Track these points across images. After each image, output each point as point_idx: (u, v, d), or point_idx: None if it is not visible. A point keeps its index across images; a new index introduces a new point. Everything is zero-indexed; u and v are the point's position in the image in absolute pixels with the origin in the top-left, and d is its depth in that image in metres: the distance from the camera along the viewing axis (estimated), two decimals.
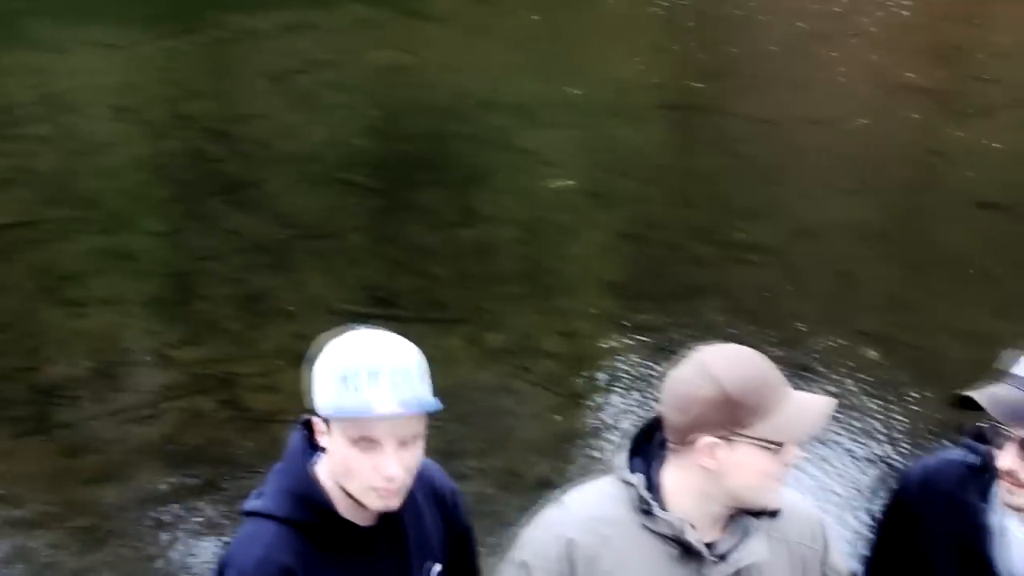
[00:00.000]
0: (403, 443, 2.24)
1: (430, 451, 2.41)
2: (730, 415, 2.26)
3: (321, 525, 2.38)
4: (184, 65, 13.02)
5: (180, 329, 7.72)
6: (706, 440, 2.27)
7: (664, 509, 2.35)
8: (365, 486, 2.26)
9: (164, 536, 5.98)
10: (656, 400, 2.55)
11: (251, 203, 9.37)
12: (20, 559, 5.76)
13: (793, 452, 2.35)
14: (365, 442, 2.22)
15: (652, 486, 2.39)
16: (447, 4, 14.83)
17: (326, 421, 2.30)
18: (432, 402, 2.29)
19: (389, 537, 2.45)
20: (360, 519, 2.38)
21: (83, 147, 10.71)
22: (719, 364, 2.33)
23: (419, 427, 2.29)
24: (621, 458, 2.48)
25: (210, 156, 10.38)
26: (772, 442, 2.27)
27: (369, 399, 2.18)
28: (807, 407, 2.36)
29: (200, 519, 6.05)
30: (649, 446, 2.46)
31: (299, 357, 6.82)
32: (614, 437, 6.60)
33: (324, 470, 2.39)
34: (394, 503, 2.31)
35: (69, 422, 6.77)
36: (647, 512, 2.35)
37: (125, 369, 7.32)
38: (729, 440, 2.27)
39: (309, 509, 2.38)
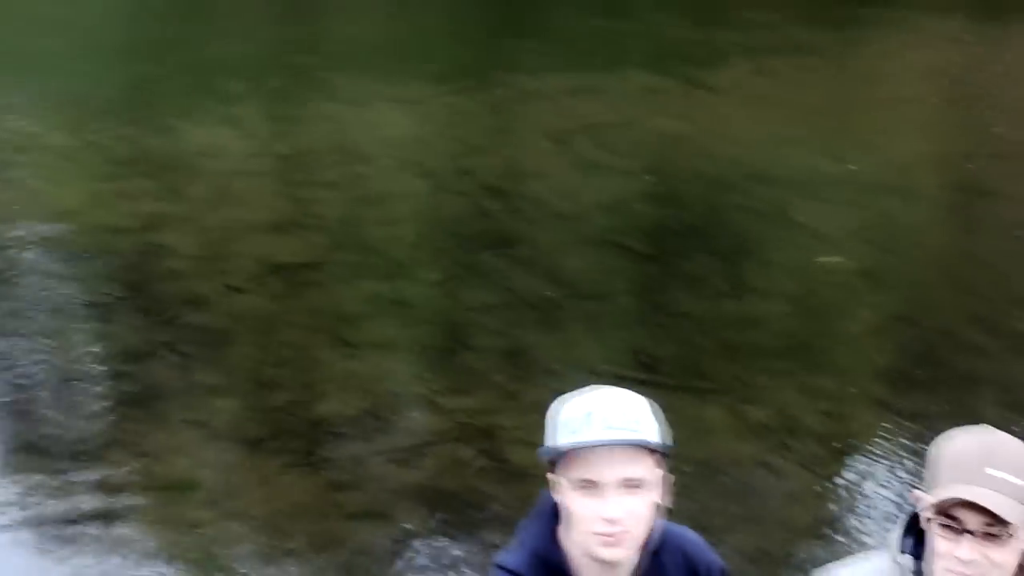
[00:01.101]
0: (626, 487, 2.24)
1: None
2: None
3: None
4: (469, 122, 13.45)
5: (447, 377, 7.94)
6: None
7: None
8: (587, 531, 2.27)
9: None
10: (917, 487, 2.54)
11: (524, 260, 9.58)
12: None
13: None
14: (587, 486, 2.23)
15: (920, 570, 2.38)
16: (729, 75, 14.83)
17: (553, 470, 2.35)
18: (648, 439, 2.28)
19: None
20: None
21: (370, 196, 11.20)
22: None
23: (644, 472, 2.27)
24: (894, 537, 2.47)
25: (487, 211, 10.66)
26: None
27: (583, 435, 2.27)
28: None
29: (451, 563, 6.20)
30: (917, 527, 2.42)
31: None
32: (872, 522, 6.49)
33: (564, 529, 2.40)
34: (619, 552, 2.29)
35: (336, 458, 7.06)
36: None
37: (392, 411, 7.58)
38: None
39: (548, 570, 2.40)
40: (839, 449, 7.30)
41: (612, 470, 2.23)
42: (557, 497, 2.38)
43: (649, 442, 2.29)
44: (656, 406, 2.41)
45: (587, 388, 2.46)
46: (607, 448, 2.24)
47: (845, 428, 7.49)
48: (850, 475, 7.05)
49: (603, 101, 13.71)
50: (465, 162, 11.96)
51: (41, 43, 18.13)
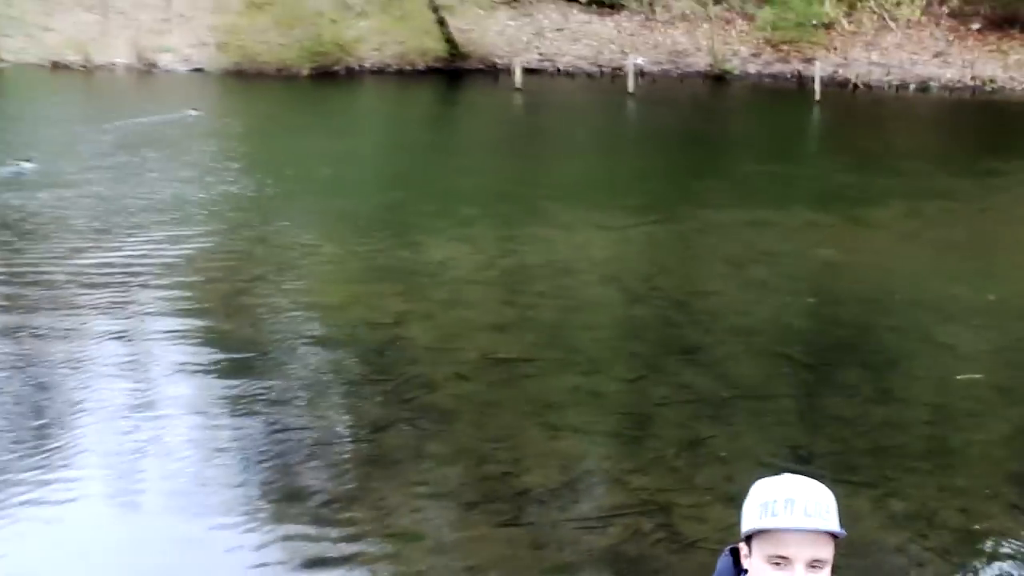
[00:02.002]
0: (812, 565, 2.25)
1: None
2: None
3: None
4: (660, 247, 13.48)
5: (633, 459, 7.87)
6: None
7: None
8: None
9: None
10: None
11: (702, 363, 9.49)
12: None
13: None
14: (780, 562, 2.25)
15: None
16: (883, 214, 14.54)
17: (748, 544, 2.35)
18: (835, 528, 2.27)
19: None
20: None
21: (575, 304, 11.27)
22: None
23: (827, 553, 2.28)
24: None
25: (673, 321, 10.61)
26: None
27: (784, 520, 2.26)
28: None
29: None
30: None
31: (727, 496, 6.94)
32: None
33: None
34: None
35: (536, 521, 7.04)
36: None
37: (585, 485, 7.54)
38: None
39: None
40: (972, 542, 7.00)
41: (804, 551, 2.26)
42: (746, 565, 2.38)
43: (836, 531, 2.29)
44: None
45: (783, 477, 2.44)
46: (803, 532, 2.26)
47: (978, 523, 7.17)
48: (982, 564, 6.74)
49: (773, 233, 13.59)
50: (656, 280, 11.96)
51: (321, 172, 18.97)
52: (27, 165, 19.25)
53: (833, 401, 8.77)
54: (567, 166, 19.32)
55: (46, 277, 12.24)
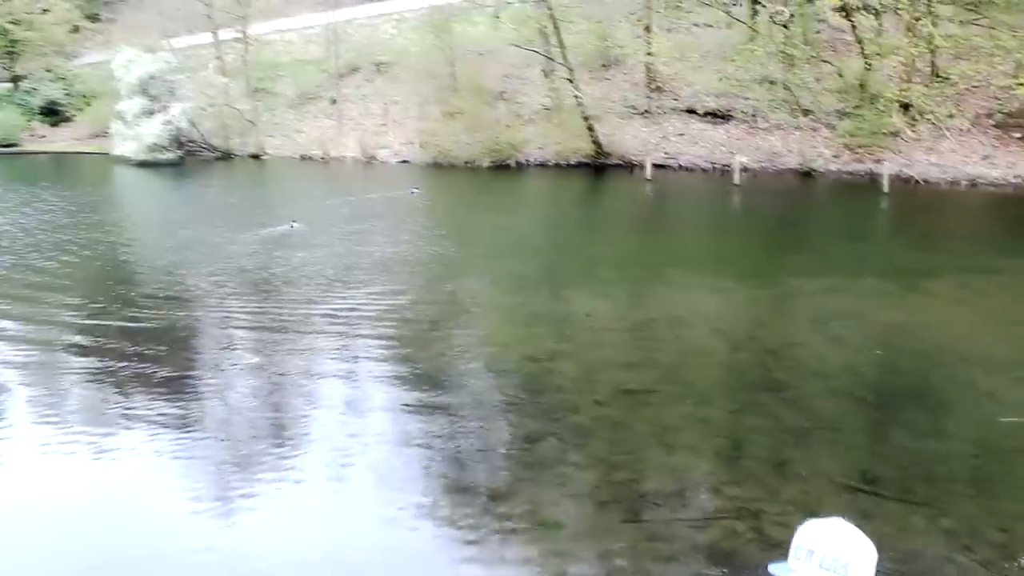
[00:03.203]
0: None
1: None
2: None
3: None
4: (758, 306, 13.18)
5: (731, 474, 7.69)
6: None
7: None
8: None
9: None
10: None
11: (788, 400, 9.21)
12: None
13: None
14: None
15: None
16: (938, 285, 13.92)
17: None
18: None
19: None
20: None
21: (688, 349, 11.11)
22: None
23: None
24: None
25: (766, 365, 10.34)
26: None
27: (799, 568, 2.09)
28: None
29: None
30: None
31: (806, 507, 6.70)
32: None
33: None
34: None
35: (653, 519, 6.93)
36: None
37: (692, 493, 7.38)
38: None
39: None
40: (1011, 556, 6.57)
41: None
42: None
43: None
44: (872, 551, 2.20)
45: (827, 521, 2.25)
46: None
47: (1016, 541, 6.73)
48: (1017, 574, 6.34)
49: (849, 298, 13.17)
50: (754, 332, 11.72)
51: (495, 240, 19.25)
52: (296, 225, 20.55)
53: (895, 435, 8.39)
54: (685, 241, 19.17)
55: (286, 319, 12.74)
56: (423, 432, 8.56)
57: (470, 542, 6.66)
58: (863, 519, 6.75)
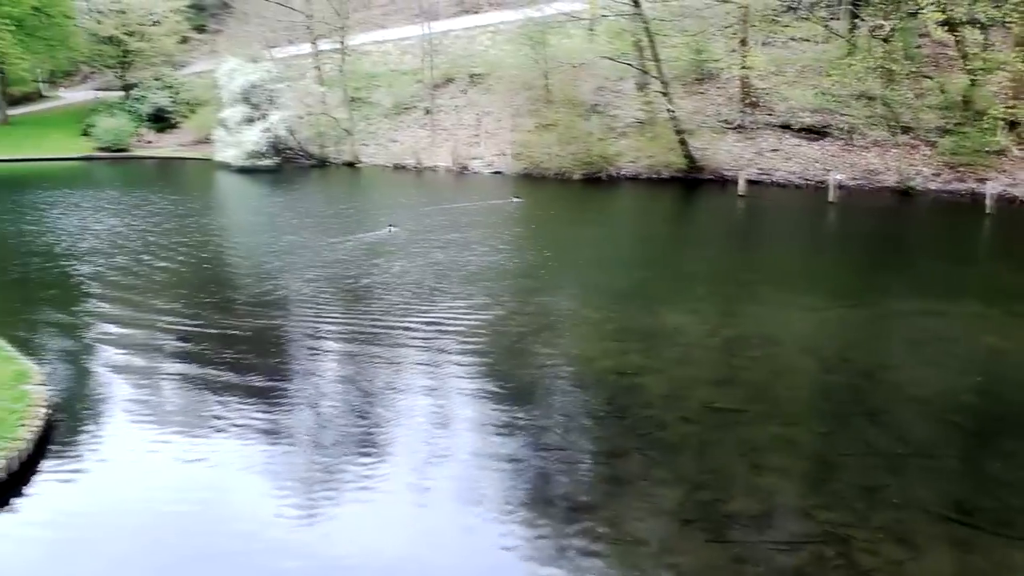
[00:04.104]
0: None
1: None
2: None
3: None
4: (850, 326, 12.89)
5: (819, 497, 7.56)
6: None
7: None
8: None
9: None
10: None
11: (881, 424, 9.00)
12: None
13: None
14: None
15: None
16: None
17: None
18: None
19: None
20: None
21: (778, 368, 10.94)
22: None
23: None
24: None
25: (858, 388, 10.10)
26: None
27: None
28: None
29: None
30: None
31: (897, 536, 6.54)
32: None
33: None
34: None
35: (738, 540, 6.88)
36: None
37: (779, 515, 7.30)
38: None
39: None
40: None
41: None
42: None
43: None
44: None
45: None
46: None
47: None
48: None
49: (946, 321, 12.81)
50: (846, 353, 11.45)
51: (585, 252, 19.23)
52: (394, 229, 21.09)
53: (993, 465, 8.12)
54: (777, 258, 18.86)
55: (379, 328, 12.96)
56: (507, 443, 8.63)
57: (551, 555, 6.70)
58: (959, 552, 6.58)
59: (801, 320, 13.12)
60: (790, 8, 32.56)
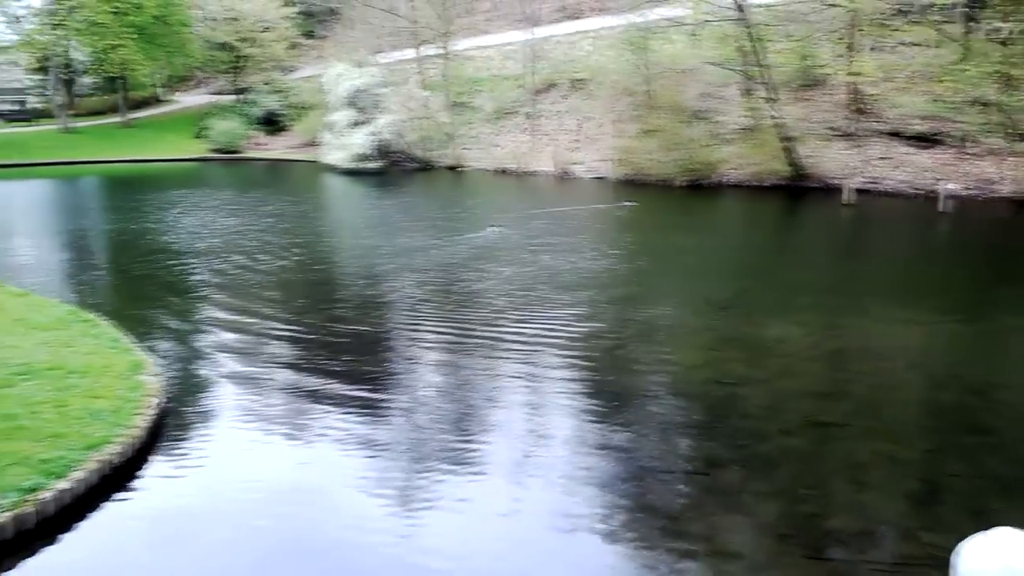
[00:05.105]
0: None
1: None
2: None
3: None
4: (960, 342, 12.52)
5: (924, 518, 7.38)
6: None
7: None
8: None
9: None
10: None
11: (993, 445, 8.70)
12: None
13: None
14: None
15: None
16: None
17: None
18: None
19: None
20: None
21: (884, 383, 10.65)
22: None
23: None
24: None
25: (969, 406, 9.81)
26: None
27: None
28: None
29: None
30: None
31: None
32: None
33: None
34: None
35: (837, 559, 6.76)
36: None
37: (881, 535, 7.13)
38: None
39: None
40: None
41: None
42: None
43: None
44: None
45: (992, 533, 2.11)
46: None
47: None
48: None
49: None
50: (956, 370, 11.14)
51: (687, 260, 19.12)
52: (497, 229, 21.50)
53: None
54: (885, 269, 18.38)
55: (483, 333, 13.15)
56: (604, 448, 8.67)
57: (644, 562, 6.70)
58: None
59: (909, 334, 12.79)
60: (901, 12, 31.63)
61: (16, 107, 70.13)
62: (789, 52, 33.47)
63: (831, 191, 29.31)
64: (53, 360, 10.46)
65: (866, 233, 23.89)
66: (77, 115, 62.58)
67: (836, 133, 32.29)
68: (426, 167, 44.27)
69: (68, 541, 7.04)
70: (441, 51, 49.41)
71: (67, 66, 62.71)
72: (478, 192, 35.84)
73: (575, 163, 38.46)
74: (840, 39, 33.48)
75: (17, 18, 59.82)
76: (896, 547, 6.97)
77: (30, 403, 9.01)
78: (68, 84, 64.80)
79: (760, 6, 32.41)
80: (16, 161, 48.98)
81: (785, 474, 8.20)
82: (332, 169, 44.76)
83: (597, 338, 12.59)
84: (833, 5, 31.66)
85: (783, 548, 6.94)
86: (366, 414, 9.71)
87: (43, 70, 63.52)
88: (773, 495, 7.74)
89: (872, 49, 33.15)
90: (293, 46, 66.03)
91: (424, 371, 11.40)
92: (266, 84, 61.61)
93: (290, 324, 13.51)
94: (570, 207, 27.83)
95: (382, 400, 10.18)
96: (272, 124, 59.26)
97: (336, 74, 47.67)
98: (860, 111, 32.35)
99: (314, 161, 48.26)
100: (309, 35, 69.67)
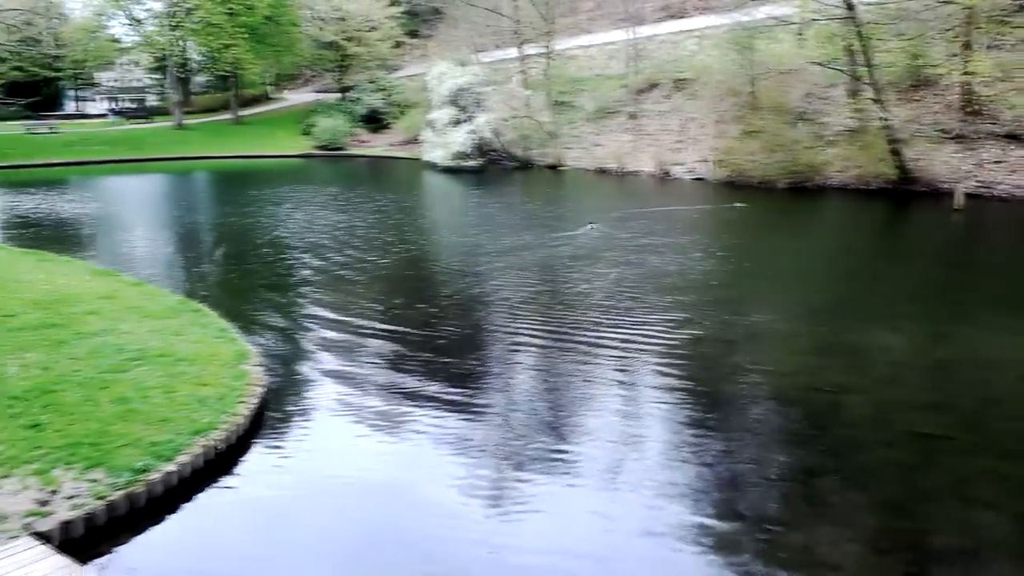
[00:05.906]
0: None
1: None
2: None
3: None
4: None
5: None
6: None
7: None
8: None
9: None
10: None
11: None
12: None
13: None
14: None
15: None
16: None
17: None
18: None
19: None
20: None
21: (993, 396, 10.24)
22: None
23: None
24: None
25: None
26: None
27: None
28: None
29: None
30: None
31: None
32: None
33: None
34: None
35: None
36: None
37: (988, 555, 6.87)
38: None
39: None
40: None
41: None
42: None
43: None
44: None
45: None
46: None
47: None
48: None
49: None
50: None
51: (787, 263, 18.75)
52: (593, 226, 21.57)
53: None
54: (996, 278, 17.67)
55: (579, 336, 13.17)
56: (700, 453, 8.60)
57: (737, 572, 6.61)
58: None
59: (1020, 345, 12.28)
60: (1022, 8, 30.27)
61: (136, 105, 73.35)
62: (899, 51, 32.40)
63: (940, 195, 28.27)
64: (164, 347, 10.93)
65: (977, 239, 23.00)
66: (191, 112, 65.00)
67: (947, 135, 31.11)
68: (525, 166, 44.43)
69: (173, 521, 7.38)
70: (543, 50, 49.54)
71: (183, 65, 65.18)
72: (580, 191, 35.84)
73: (676, 164, 38.08)
74: (955, 37, 32.22)
75: (138, 20, 62.39)
76: (1003, 568, 6.70)
77: (142, 388, 9.46)
78: (184, 83, 67.33)
79: (870, 4, 31.47)
80: (132, 156, 51.13)
81: (886, 487, 8.00)
82: (432, 167, 45.39)
83: (694, 340, 12.45)
84: (948, 2, 30.48)
85: (883, 564, 6.78)
86: (462, 414, 9.81)
87: (160, 70, 66.29)
88: (873, 508, 7.56)
89: (989, 47, 31.80)
90: (397, 45, 67.14)
91: (522, 373, 11.47)
92: (370, 82, 62.83)
93: (391, 322, 13.75)
94: (675, 207, 27.58)
95: (478, 401, 10.28)
96: (375, 122, 60.38)
97: (439, 72, 48.32)
98: (973, 112, 31.11)
99: (415, 158, 49.02)
100: (413, 34, 70.71)
